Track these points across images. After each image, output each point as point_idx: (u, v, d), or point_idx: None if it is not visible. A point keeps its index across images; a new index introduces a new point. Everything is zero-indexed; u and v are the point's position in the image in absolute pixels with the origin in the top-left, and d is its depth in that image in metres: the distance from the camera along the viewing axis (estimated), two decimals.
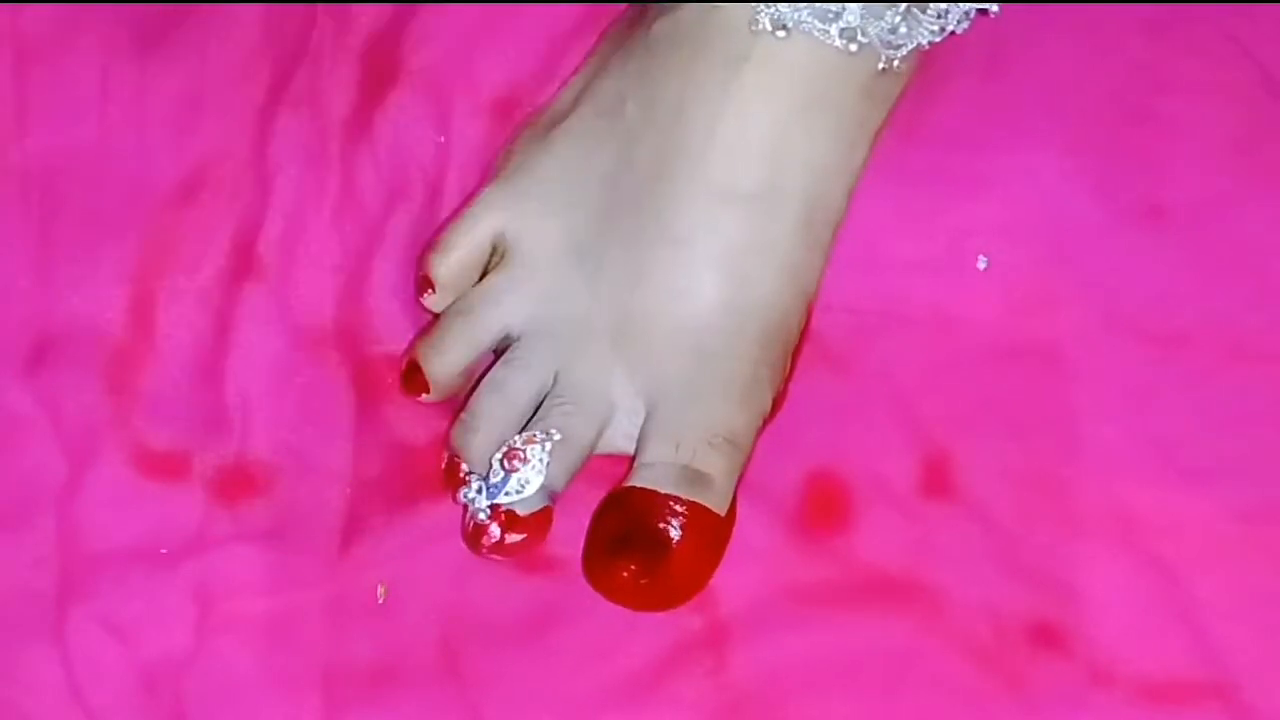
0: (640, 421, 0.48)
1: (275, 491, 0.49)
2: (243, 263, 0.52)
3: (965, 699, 0.45)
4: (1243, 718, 0.45)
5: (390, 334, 0.51)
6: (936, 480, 0.48)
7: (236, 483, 0.49)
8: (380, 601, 0.48)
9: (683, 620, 0.47)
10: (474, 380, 0.49)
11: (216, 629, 0.47)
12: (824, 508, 0.48)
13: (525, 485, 0.46)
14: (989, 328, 0.50)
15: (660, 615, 0.47)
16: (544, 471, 0.46)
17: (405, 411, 0.50)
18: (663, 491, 0.46)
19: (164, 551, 0.48)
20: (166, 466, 0.49)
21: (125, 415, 0.50)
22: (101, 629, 0.47)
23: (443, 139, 0.54)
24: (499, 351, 0.50)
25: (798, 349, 0.49)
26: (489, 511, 0.47)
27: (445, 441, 0.49)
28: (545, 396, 0.48)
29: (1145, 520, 0.47)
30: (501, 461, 0.47)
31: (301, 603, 0.47)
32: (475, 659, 0.47)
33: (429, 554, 0.48)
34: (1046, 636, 0.46)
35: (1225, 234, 0.50)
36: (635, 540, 0.46)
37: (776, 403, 0.49)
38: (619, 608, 0.47)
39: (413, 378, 0.49)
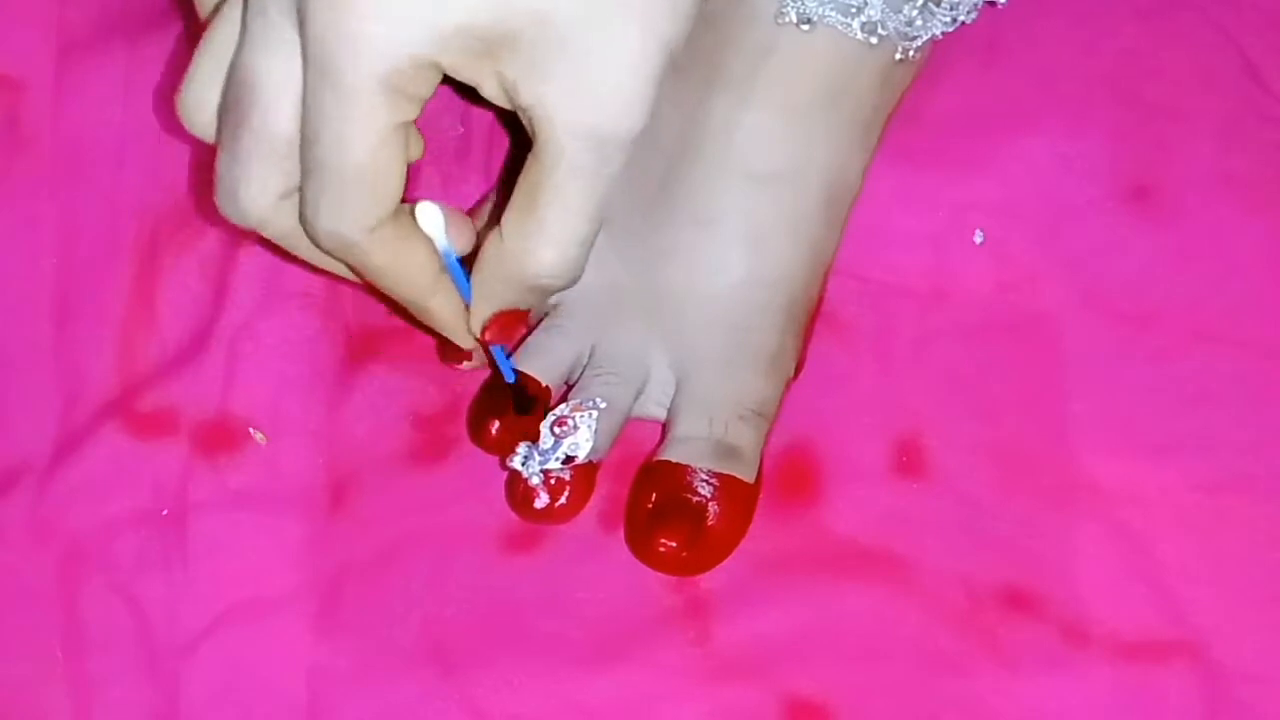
0: (670, 390, 0.49)
1: (264, 456, 0.50)
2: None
3: (945, 662, 0.46)
4: (1211, 672, 0.46)
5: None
6: (911, 452, 0.49)
7: (224, 446, 0.50)
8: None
9: (665, 598, 0.47)
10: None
11: (207, 602, 0.48)
12: (800, 480, 0.49)
13: (576, 450, 0.47)
14: (979, 301, 0.51)
15: (643, 592, 0.48)
16: (593, 438, 0.47)
17: (399, 380, 0.51)
18: (698, 466, 0.47)
19: (165, 513, 0.49)
20: (157, 426, 0.50)
21: (127, 376, 0.51)
22: (101, 596, 0.48)
23: (462, 129, 0.54)
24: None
25: (814, 315, 0.50)
26: (541, 476, 0.48)
27: (473, 404, 0.50)
28: (582, 366, 0.49)
29: (1113, 491, 0.49)
30: (552, 428, 0.47)
31: (287, 588, 0.48)
32: (460, 638, 0.47)
33: (416, 524, 0.49)
34: (1020, 600, 0.47)
35: (1202, 218, 0.52)
36: (674, 514, 0.47)
37: (798, 368, 0.50)
38: (603, 581, 0.48)
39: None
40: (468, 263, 0.42)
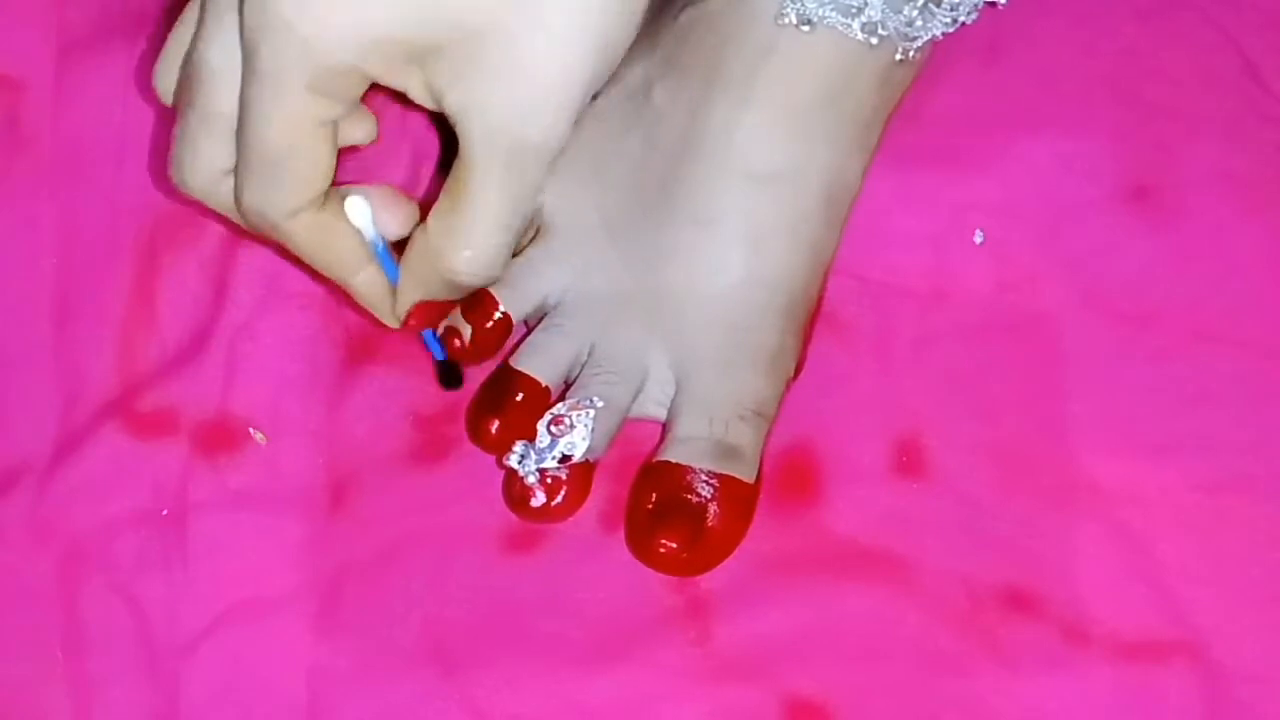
0: (670, 390, 0.49)
1: (264, 456, 0.50)
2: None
3: (945, 662, 0.46)
4: (1211, 672, 0.46)
5: None
6: (911, 452, 0.49)
7: (224, 446, 0.50)
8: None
9: (665, 598, 0.47)
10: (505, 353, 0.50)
11: (207, 602, 0.48)
12: (800, 480, 0.49)
13: (572, 449, 0.47)
14: (979, 301, 0.51)
15: (643, 592, 0.47)
16: (589, 437, 0.48)
17: (399, 380, 0.51)
18: (698, 466, 0.47)
19: (165, 513, 0.49)
20: (157, 426, 0.50)
21: (128, 376, 0.51)
22: (101, 596, 0.48)
23: None
24: (529, 323, 0.51)
25: (814, 315, 0.51)
26: (537, 475, 0.48)
27: (472, 404, 0.50)
28: (581, 365, 0.49)
29: (1113, 491, 0.49)
30: (549, 427, 0.48)
31: (287, 588, 0.48)
32: (460, 638, 0.47)
33: (416, 524, 0.49)
34: (1020, 600, 0.47)
35: (1202, 218, 0.52)
36: (675, 515, 0.47)
37: (798, 368, 0.50)
38: (603, 581, 0.48)
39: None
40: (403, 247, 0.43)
